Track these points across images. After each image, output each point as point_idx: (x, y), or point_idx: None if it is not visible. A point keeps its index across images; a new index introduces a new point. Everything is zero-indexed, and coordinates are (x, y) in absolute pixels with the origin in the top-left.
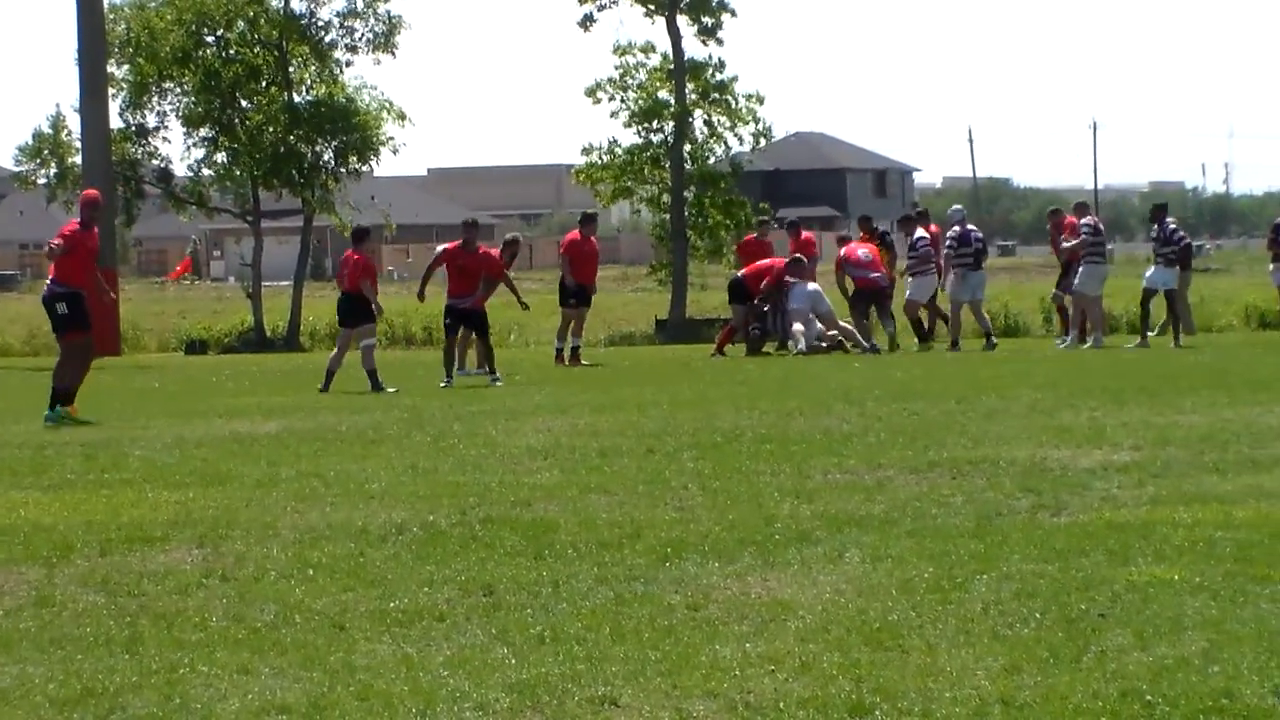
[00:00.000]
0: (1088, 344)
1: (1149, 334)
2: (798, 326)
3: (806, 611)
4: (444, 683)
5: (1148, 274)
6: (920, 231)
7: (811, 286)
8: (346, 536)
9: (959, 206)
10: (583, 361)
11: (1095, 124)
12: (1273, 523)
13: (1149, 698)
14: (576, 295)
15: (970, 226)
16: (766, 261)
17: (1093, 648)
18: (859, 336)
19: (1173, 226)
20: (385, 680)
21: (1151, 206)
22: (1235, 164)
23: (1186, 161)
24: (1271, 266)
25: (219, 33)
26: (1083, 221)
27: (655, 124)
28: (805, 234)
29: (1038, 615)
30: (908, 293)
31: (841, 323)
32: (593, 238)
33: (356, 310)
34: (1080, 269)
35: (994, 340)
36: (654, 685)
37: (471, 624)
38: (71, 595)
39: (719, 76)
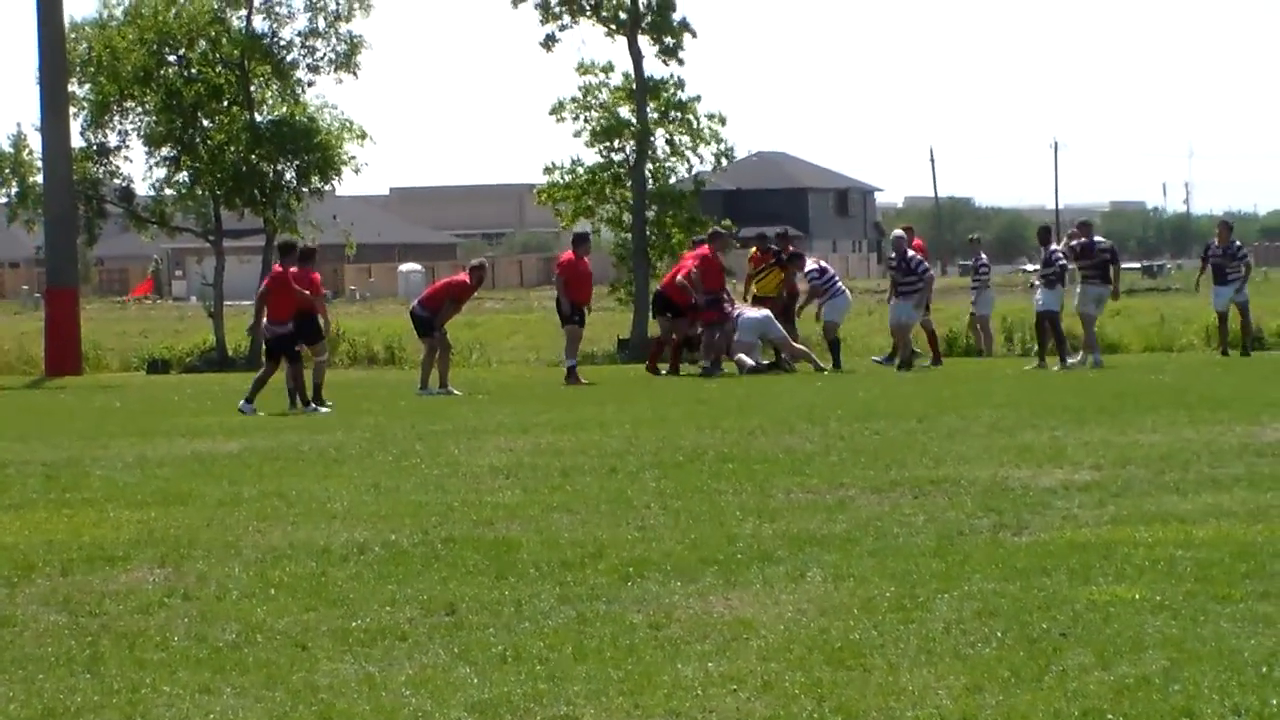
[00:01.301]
0: (1073, 361)
1: (1069, 359)
2: (741, 357)
3: (768, 631)
4: (406, 702)
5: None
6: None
7: (762, 313)
8: (309, 556)
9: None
10: (582, 380)
11: (1056, 144)
12: (1233, 542)
13: (1110, 717)
14: (575, 314)
15: (1098, 238)
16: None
17: (1054, 667)
18: (813, 357)
19: (1055, 249)
20: (347, 700)
21: (1039, 229)
22: (1196, 183)
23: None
24: (1215, 288)
25: (180, 52)
26: (1076, 242)
27: (616, 143)
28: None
29: (999, 634)
30: (904, 314)
31: (796, 345)
32: (585, 258)
33: (309, 330)
34: (1078, 289)
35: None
36: (616, 705)
37: (434, 643)
38: (33, 615)
39: (680, 95)
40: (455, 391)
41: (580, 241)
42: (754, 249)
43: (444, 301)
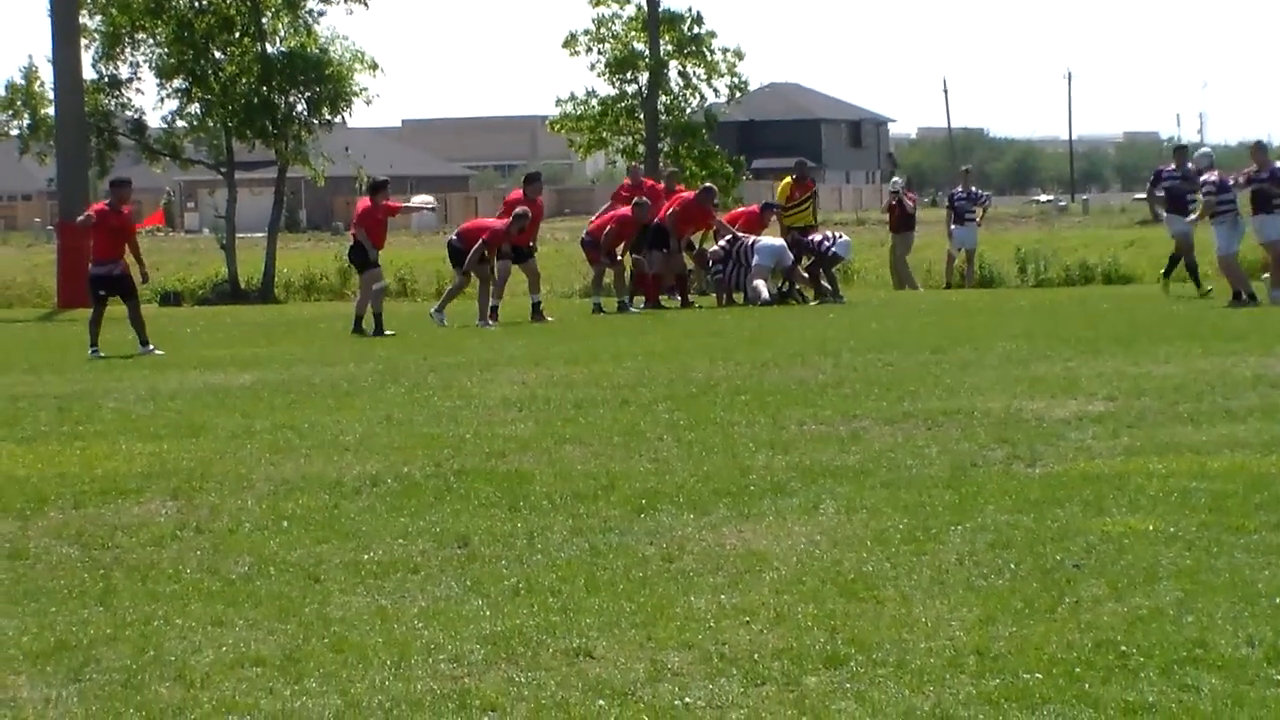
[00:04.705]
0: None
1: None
2: (759, 282)
3: (781, 563)
4: (419, 634)
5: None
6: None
7: (778, 242)
8: (321, 488)
9: (1206, 150)
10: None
11: (1070, 74)
12: (1247, 473)
13: (1123, 648)
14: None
15: (1215, 172)
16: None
17: (1067, 598)
18: (826, 285)
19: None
20: (360, 632)
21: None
22: (1209, 114)
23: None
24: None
25: None
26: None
27: (630, 75)
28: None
29: (1012, 566)
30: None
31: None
32: (538, 197)
33: (359, 257)
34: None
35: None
36: (629, 637)
37: (446, 576)
38: (45, 548)
39: (696, 30)
40: (491, 324)
41: (531, 180)
42: (788, 178)
43: (477, 239)
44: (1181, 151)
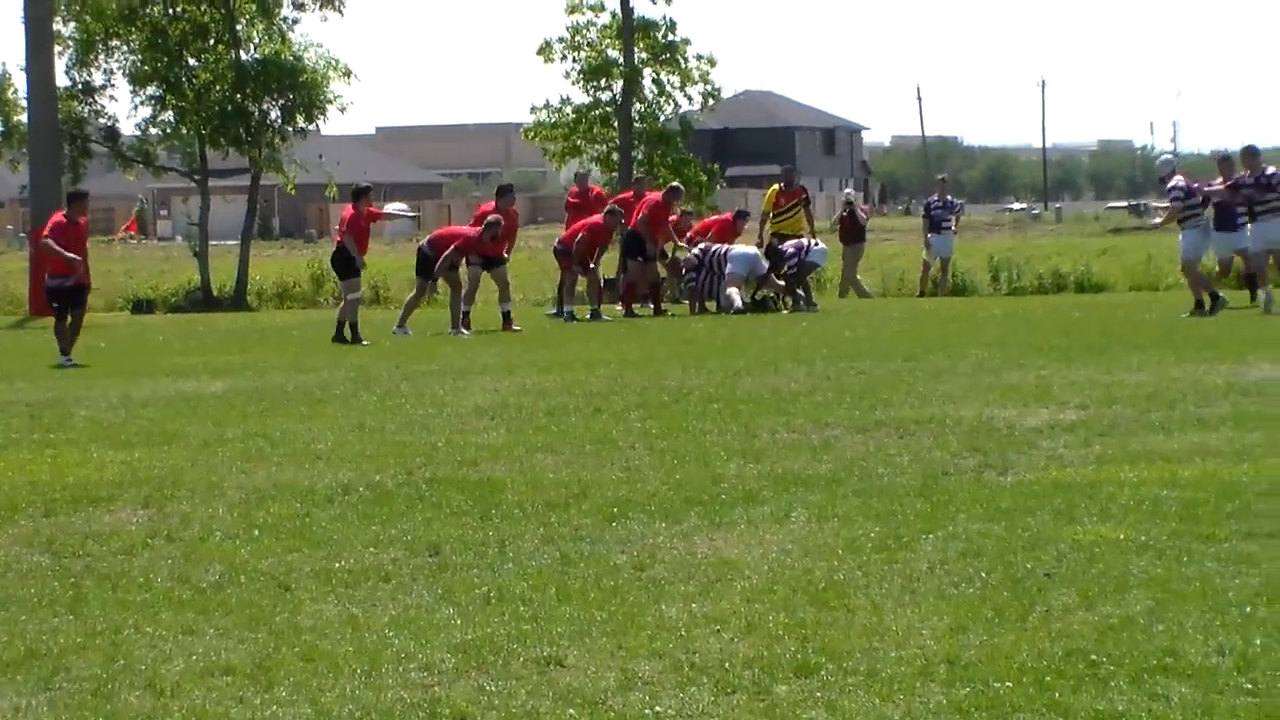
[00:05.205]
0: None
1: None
2: (732, 291)
3: (752, 571)
4: (389, 643)
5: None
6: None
7: (751, 250)
8: (292, 496)
9: (1169, 157)
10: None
11: (1044, 82)
12: (1218, 482)
13: (1094, 656)
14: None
15: (1181, 178)
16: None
17: (1038, 607)
18: (800, 293)
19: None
20: (331, 641)
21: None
22: (1183, 122)
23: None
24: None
25: None
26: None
27: (604, 82)
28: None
29: (983, 575)
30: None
31: (780, 282)
32: (512, 209)
33: (341, 264)
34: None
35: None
36: (600, 645)
37: (417, 584)
38: (16, 556)
39: (670, 37)
40: (464, 332)
41: (504, 193)
42: (776, 185)
43: (448, 248)
44: (1227, 163)
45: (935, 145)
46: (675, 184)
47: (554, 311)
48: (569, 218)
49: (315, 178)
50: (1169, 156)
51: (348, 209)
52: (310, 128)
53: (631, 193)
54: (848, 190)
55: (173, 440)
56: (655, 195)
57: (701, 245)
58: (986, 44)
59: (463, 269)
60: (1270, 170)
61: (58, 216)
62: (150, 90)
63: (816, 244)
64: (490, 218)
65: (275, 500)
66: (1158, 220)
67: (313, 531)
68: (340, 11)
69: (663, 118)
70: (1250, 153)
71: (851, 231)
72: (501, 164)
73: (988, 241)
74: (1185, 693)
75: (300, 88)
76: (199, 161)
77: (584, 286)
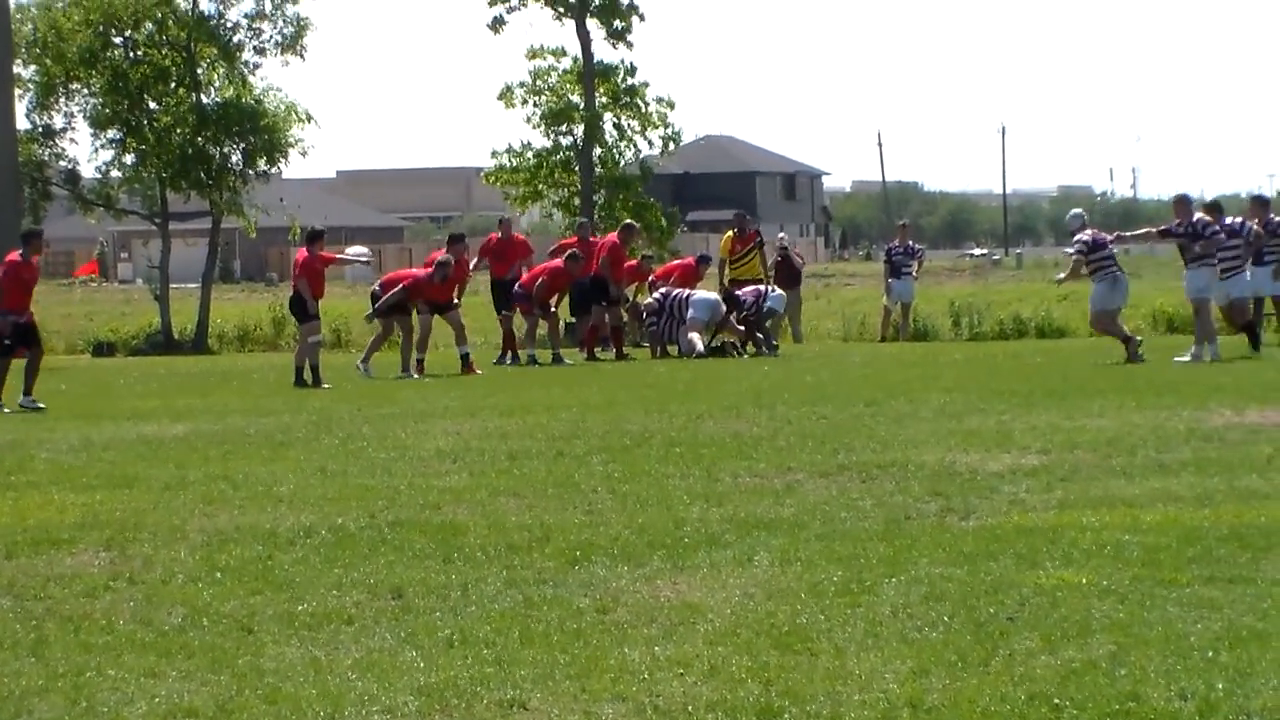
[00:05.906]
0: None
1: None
2: (693, 335)
3: (715, 615)
4: (352, 686)
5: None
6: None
7: (712, 296)
8: (255, 539)
9: (1078, 211)
10: (476, 370)
11: (1004, 128)
12: (1180, 526)
13: (1056, 701)
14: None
15: (1089, 232)
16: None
17: (1001, 651)
18: (760, 336)
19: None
20: (293, 683)
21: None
22: (1142, 168)
23: (1094, 166)
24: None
25: (127, 33)
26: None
27: (565, 127)
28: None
29: (946, 619)
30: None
31: (740, 328)
32: (464, 257)
33: (298, 309)
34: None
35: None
36: (563, 689)
37: (380, 627)
38: None
39: (630, 81)
40: (414, 375)
41: (455, 241)
42: (730, 231)
43: (396, 286)
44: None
45: (896, 190)
46: (628, 221)
47: (498, 359)
48: (492, 263)
49: (276, 221)
50: (1079, 211)
51: (301, 252)
52: (271, 171)
53: (577, 238)
54: (782, 235)
55: (134, 483)
56: (610, 237)
57: (662, 290)
58: (947, 90)
59: (414, 317)
60: (1198, 218)
61: (13, 255)
62: (111, 133)
63: (774, 290)
64: (440, 258)
65: (237, 543)
66: (1062, 276)
67: (275, 574)
68: (301, 56)
69: (623, 162)
70: (1181, 200)
71: (788, 276)
72: (463, 208)
73: (949, 286)
74: None
75: (261, 131)
76: (160, 204)
77: (545, 330)
